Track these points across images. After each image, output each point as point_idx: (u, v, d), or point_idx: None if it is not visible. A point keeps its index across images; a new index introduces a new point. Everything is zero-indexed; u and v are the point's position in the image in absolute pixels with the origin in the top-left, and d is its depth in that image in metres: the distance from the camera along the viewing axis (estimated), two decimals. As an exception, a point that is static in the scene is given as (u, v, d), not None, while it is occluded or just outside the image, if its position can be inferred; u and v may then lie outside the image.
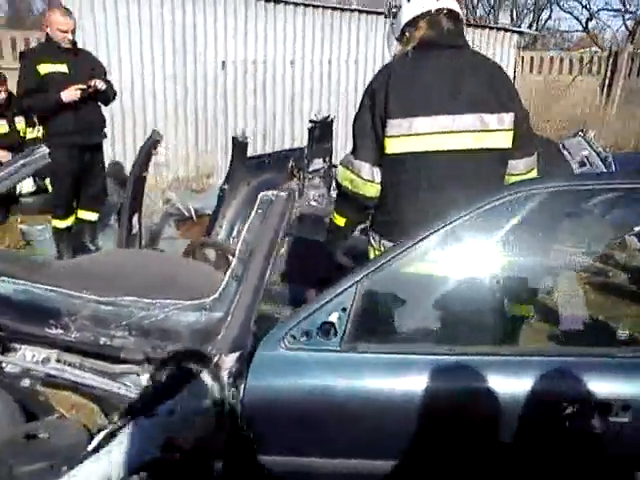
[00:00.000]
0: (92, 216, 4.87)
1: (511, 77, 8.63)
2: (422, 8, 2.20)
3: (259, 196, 2.12)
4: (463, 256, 2.12)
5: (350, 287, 1.86)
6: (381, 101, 2.14)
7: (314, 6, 7.71)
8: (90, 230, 4.89)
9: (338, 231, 2.47)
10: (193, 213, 5.68)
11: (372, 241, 2.33)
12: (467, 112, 2.14)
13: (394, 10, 2.32)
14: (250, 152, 4.50)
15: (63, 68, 4.42)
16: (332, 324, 1.86)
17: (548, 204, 1.96)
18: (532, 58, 12.80)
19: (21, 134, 5.64)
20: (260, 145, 7.64)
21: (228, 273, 1.96)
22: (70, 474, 1.51)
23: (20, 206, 5.87)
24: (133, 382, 1.90)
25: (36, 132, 5.35)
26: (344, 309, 1.86)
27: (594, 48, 16.34)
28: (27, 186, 5.85)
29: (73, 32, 4.48)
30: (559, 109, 11.00)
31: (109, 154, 6.38)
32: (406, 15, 2.24)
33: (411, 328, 2.18)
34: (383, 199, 2.25)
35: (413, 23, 2.23)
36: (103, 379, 1.91)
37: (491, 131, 2.16)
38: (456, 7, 2.24)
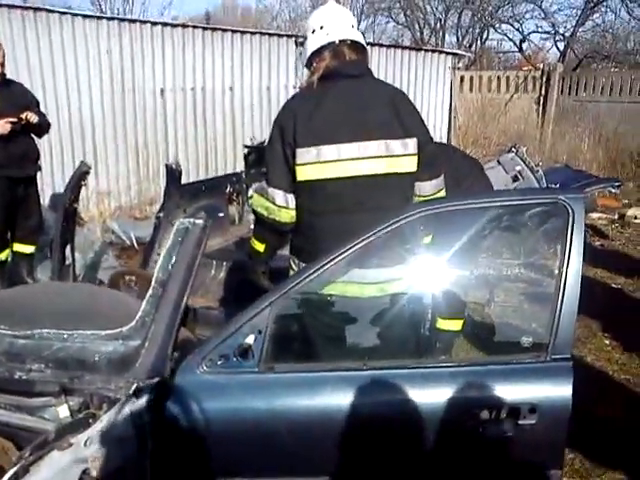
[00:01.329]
0: (28, 249, 4.78)
1: (447, 96, 8.87)
2: (327, 39, 2.29)
3: (175, 224, 2.15)
4: (373, 274, 2.22)
5: (264, 309, 1.92)
6: (289, 131, 2.21)
7: (251, 33, 7.86)
8: (27, 263, 4.80)
9: (258, 257, 2.51)
10: (134, 241, 5.66)
11: (292, 264, 2.39)
12: (372, 139, 2.22)
13: (301, 40, 2.43)
14: (192, 179, 4.53)
15: (-7, 101, 4.38)
16: (249, 346, 1.91)
17: (447, 222, 2.07)
18: (472, 77, 13.27)
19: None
20: (202, 171, 7.68)
21: (144, 302, 1.99)
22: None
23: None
24: (52, 415, 1.90)
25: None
26: (260, 331, 1.91)
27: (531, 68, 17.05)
28: (-39, 220, 5.73)
29: (2, 65, 4.45)
30: (499, 126, 11.39)
31: (48, 185, 6.32)
32: (311, 45, 2.33)
33: (325, 346, 2.24)
34: (298, 224, 2.32)
35: (318, 53, 2.31)
36: (20, 414, 1.90)
37: (396, 156, 2.24)
38: (359, 38, 2.34)
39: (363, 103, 2.24)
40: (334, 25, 2.31)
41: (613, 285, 5.46)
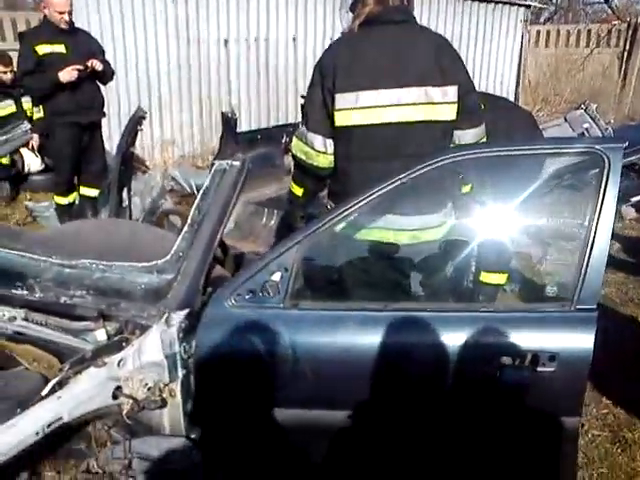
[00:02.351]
0: (93, 192, 5.03)
1: (517, 51, 8.54)
2: None
3: (214, 165, 2.23)
4: (406, 221, 2.24)
5: (291, 248, 1.98)
6: (329, 76, 2.22)
7: (316, -18, 7.75)
8: (92, 206, 5.06)
9: (297, 200, 2.57)
10: (195, 188, 5.84)
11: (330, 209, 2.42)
12: (411, 85, 2.20)
13: None
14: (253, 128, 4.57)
15: (61, 48, 4.57)
16: (275, 283, 1.99)
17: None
18: (548, 32, 12.62)
19: (28, 114, 5.84)
20: (265, 122, 7.75)
21: (179, 238, 2.09)
22: (22, 414, 1.68)
23: (28, 184, 6.11)
24: (92, 338, 2.06)
25: (42, 112, 5.55)
26: (286, 269, 1.98)
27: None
28: (35, 165, 6.09)
29: (70, 13, 4.61)
30: (574, 83, 10.86)
31: (115, 132, 6.56)
32: None
33: (349, 286, 2.30)
34: (336, 170, 2.35)
35: None
36: (66, 335, 2.07)
37: (435, 104, 2.23)
38: None
39: (404, 50, 2.23)
40: None
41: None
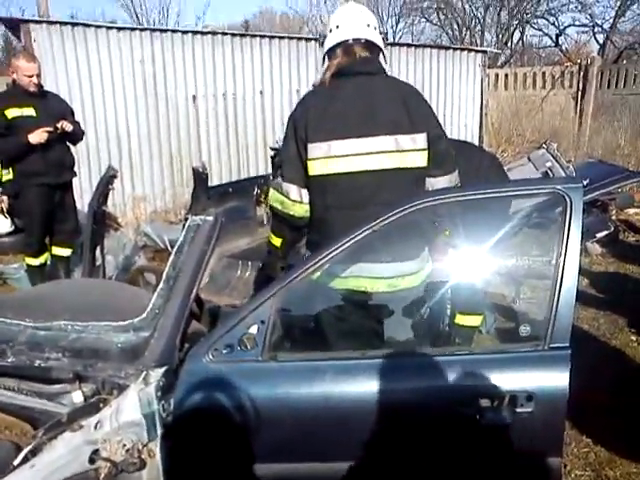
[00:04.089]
0: (65, 252, 5.00)
1: (478, 94, 8.78)
2: (340, 37, 2.35)
3: (187, 221, 2.26)
4: (382, 269, 2.28)
5: (266, 300, 2.00)
6: (301, 127, 2.29)
7: (279, 37, 7.99)
8: (64, 265, 5.02)
9: (276, 251, 2.59)
10: (167, 244, 5.82)
11: None
12: (381, 134, 2.27)
13: (322, 39, 2.49)
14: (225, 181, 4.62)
15: (30, 111, 4.59)
16: (252, 336, 1.99)
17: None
18: (506, 75, 13.13)
19: (-4, 177, 5.80)
20: (235, 174, 7.84)
21: (155, 295, 2.10)
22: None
23: (-3, 246, 6.03)
24: (68, 401, 2.02)
25: (12, 173, 5.53)
26: (262, 321, 1.99)
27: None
28: (4, 226, 6.03)
29: (38, 76, 4.66)
30: (534, 123, 11.22)
31: (86, 191, 6.55)
32: (327, 43, 2.40)
33: (326, 336, 2.31)
34: (312, 219, 2.40)
35: (331, 52, 2.38)
36: (40, 400, 2.03)
37: (405, 151, 2.29)
38: (373, 37, 2.38)
39: (373, 99, 2.30)
40: (349, 24, 2.36)
41: (646, 281, 5.35)
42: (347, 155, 2.27)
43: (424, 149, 2.31)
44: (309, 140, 2.27)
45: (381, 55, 2.46)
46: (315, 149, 2.27)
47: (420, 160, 2.32)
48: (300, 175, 2.33)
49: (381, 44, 2.43)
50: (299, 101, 2.45)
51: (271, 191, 2.48)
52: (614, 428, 3.00)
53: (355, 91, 2.31)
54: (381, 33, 2.48)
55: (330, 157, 2.27)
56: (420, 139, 2.30)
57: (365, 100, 2.30)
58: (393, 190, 2.28)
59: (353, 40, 2.35)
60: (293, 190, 2.35)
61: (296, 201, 2.36)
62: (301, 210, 2.38)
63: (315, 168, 2.29)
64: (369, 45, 2.38)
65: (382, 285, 2.32)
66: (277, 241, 2.56)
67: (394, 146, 2.28)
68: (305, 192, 2.36)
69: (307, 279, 2.03)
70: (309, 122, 2.28)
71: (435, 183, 2.38)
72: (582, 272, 5.29)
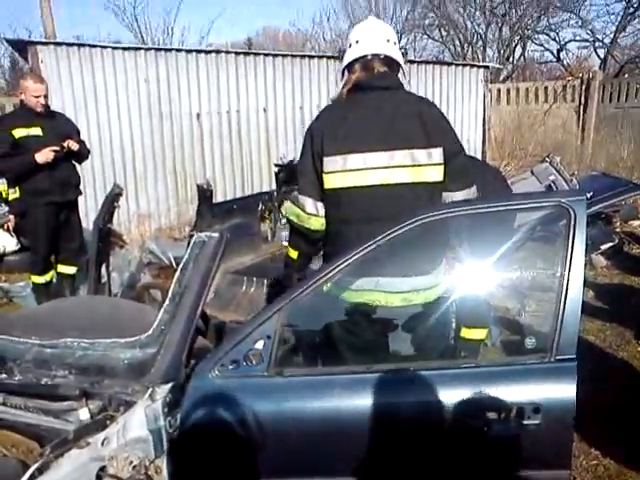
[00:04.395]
0: (71, 270, 5.02)
1: (480, 109, 8.83)
2: (359, 53, 2.35)
3: (193, 238, 2.27)
4: (397, 283, 2.28)
5: (272, 315, 2.00)
6: (318, 141, 2.29)
7: (283, 55, 8.07)
8: (70, 283, 5.04)
9: (292, 263, 2.58)
10: (172, 261, 5.84)
11: None
12: (398, 148, 2.26)
13: (341, 54, 2.49)
14: (229, 198, 4.67)
15: (37, 131, 4.65)
16: (258, 351, 1.99)
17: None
18: (508, 90, 13.21)
19: (3, 195, 5.85)
20: (239, 191, 7.89)
21: (161, 311, 2.11)
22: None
23: (4, 264, 6.07)
24: (74, 418, 2.02)
25: (18, 193, 5.59)
26: (269, 336, 1.99)
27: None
28: (10, 245, 6.07)
29: (46, 97, 4.72)
30: (537, 137, 11.27)
31: (92, 209, 6.59)
32: (346, 59, 2.41)
33: (331, 350, 2.31)
34: (328, 232, 2.40)
35: (350, 67, 2.39)
36: (47, 417, 2.03)
37: (421, 166, 2.28)
38: (393, 53, 2.38)
39: (390, 114, 2.29)
40: (369, 39, 2.37)
41: (651, 293, 5.33)
42: (363, 169, 2.27)
43: (440, 164, 2.30)
44: (325, 153, 2.28)
45: (400, 70, 2.46)
46: (330, 162, 2.28)
47: (436, 175, 2.30)
48: (316, 188, 2.34)
49: (400, 60, 2.42)
50: (317, 115, 2.46)
51: (288, 204, 2.48)
52: (623, 440, 2.99)
53: (372, 105, 2.31)
54: (401, 49, 2.48)
55: (345, 171, 2.27)
56: (436, 154, 2.28)
57: (381, 114, 2.30)
58: (409, 204, 2.25)
59: (372, 55, 2.35)
60: (309, 203, 2.36)
61: (312, 214, 2.37)
62: (317, 223, 2.38)
63: (330, 182, 2.30)
64: (388, 61, 2.37)
65: (396, 299, 2.31)
66: (294, 254, 2.55)
67: (410, 160, 2.27)
68: (321, 205, 2.36)
69: (318, 292, 2.04)
70: (325, 135, 2.28)
71: (452, 197, 2.36)
72: (587, 284, 5.28)
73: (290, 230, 2.57)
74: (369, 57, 2.34)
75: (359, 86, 2.34)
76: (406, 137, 2.28)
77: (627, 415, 3.18)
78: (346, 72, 2.43)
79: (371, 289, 2.29)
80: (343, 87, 2.41)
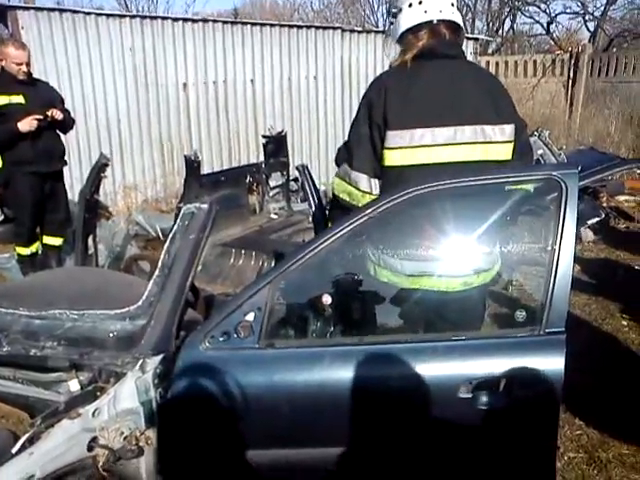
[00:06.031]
0: (57, 241, 4.97)
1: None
2: (425, 16, 2.15)
3: (182, 209, 2.25)
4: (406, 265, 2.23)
5: (263, 287, 1.99)
6: (379, 110, 2.09)
7: (271, 25, 7.94)
8: (56, 255, 5.00)
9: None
10: (160, 233, 5.81)
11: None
12: (468, 124, 2.10)
13: (394, 10, 2.27)
14: (216, 170, 4.62)
15: (19, 99, 4.54)
16: (249, 323, 1.99)
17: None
18: (497, 63, 13.12)
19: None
20: (226, 163, 7.81)
21: (150, 283, 2.09)
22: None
23: (-12, 236, 5.98)
24: (65, 389, 2.02)
25: (1, 162, 5.48)
26: (259, 308, 1.98)
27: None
28: (-6, 216, 5.98)
29: (28, 64, 4.61)
30: (525, 111, 11.23)
31: (77, 180, 6.51)
32: (407, 21, 2.19)
33: (323, 322, 2.31)
34: None
35: (414, 30, 2.18)
36: (37, 388, 2.03)
37: (493, 143, 2.13)
38: (458, 19, 2.20)
39: (459, 86, 2.13)
40: (434, 2, 2.16)
41: (636, 267, 5.39)
42: (431, 145, 2.08)
43: (511, 141, 2.16)
44: (389, 127, 2.07)
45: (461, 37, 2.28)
46: (395, 137, 2.08)
47: (505, 153, 2.17)
48: (372, 164, 2.14)
49: (462, 26, 2.25)
50: (374, 80, 2.23)
51: (337, 180, 2.27)
52: (606, 411, 3.06)
53: (439, 75, 2.13)
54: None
55: (412, 147, 2.08)
56: (508, 130, 2.14)
57: (451, 86, 2.12)
58: None
59: (438, 21, 2.15)
60: (363, 180, 2.16)
61: (366, 192, 2.16)
62: None
63: (392, 158, 2.10)
64: (455, 27, 2.19)
65: (457, 284, 2.19)
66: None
67: (481, 136, 2.11)
68: (376, 183, 2.16)
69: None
70: (389, 107, 2.07)
71: None
72: (575, 258, 5.32)
73: (333, 208, 2.38)
74: (435, 22, 2.15)
75: (427, 53, 2.14)
76: (477, 111, 2.11)
77: (610, 386, 3.24)
78: (407, 35, 2.19)
79: (430, 274, 2.15)
80: (405, 53, 2.19)
